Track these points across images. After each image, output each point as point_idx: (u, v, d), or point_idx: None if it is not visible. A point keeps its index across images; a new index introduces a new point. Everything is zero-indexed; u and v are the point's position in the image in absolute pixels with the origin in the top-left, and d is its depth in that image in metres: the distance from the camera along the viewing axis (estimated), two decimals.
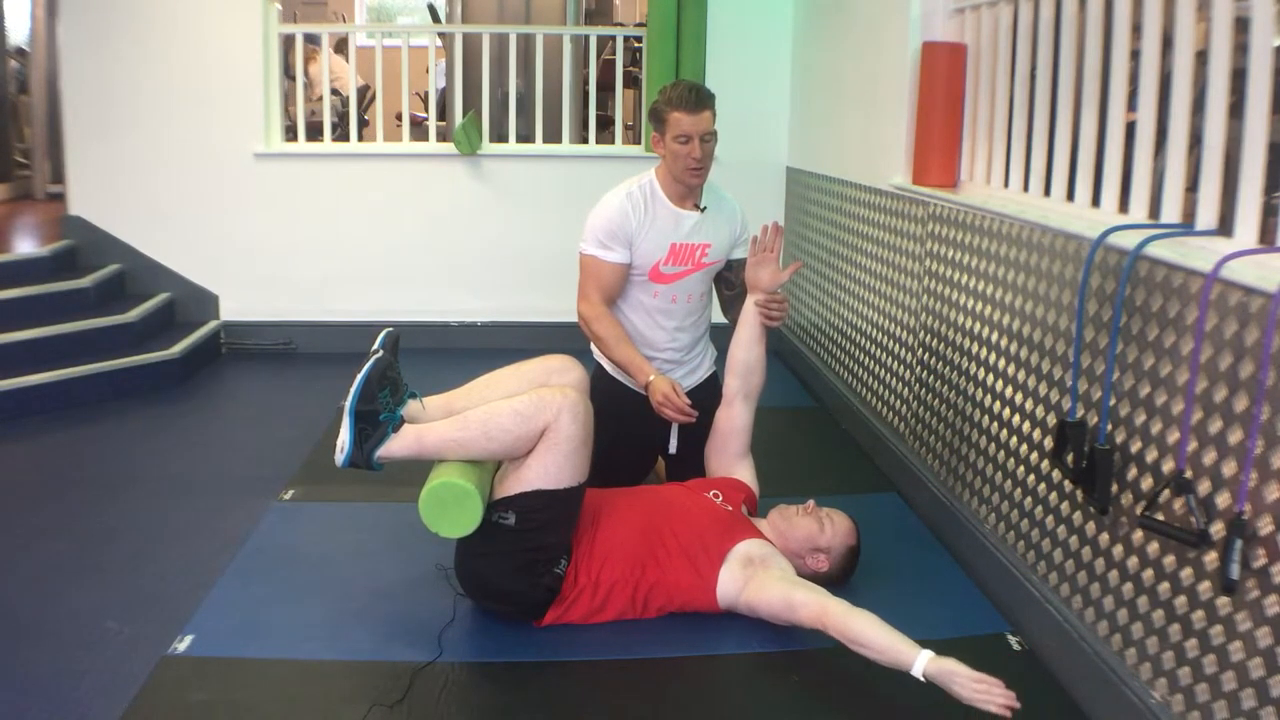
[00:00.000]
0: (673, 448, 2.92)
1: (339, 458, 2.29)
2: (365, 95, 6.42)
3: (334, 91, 6.58)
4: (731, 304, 2.95)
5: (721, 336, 2.97)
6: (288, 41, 5.09)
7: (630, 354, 2.77)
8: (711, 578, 2.37)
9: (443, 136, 5.22)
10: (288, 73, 5.25)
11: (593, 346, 2.98)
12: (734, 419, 2.73)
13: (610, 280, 2.82)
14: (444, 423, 2.35)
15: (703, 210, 2.85)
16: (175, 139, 4.77)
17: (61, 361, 4.04)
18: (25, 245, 4.88)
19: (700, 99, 2.72)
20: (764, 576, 2.32)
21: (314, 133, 5.38)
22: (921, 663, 1.98)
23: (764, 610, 2.29)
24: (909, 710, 2.11)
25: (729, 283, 2.95)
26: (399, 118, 5.94)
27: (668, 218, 2.82)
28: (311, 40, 6.04)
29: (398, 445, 2.31)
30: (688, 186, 2.80)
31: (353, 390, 2.27)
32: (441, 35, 6.01)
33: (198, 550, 2.80)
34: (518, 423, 2.27)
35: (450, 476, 2.26)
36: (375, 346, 2.37)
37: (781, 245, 2.73)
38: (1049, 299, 2.38)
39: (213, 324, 4.90)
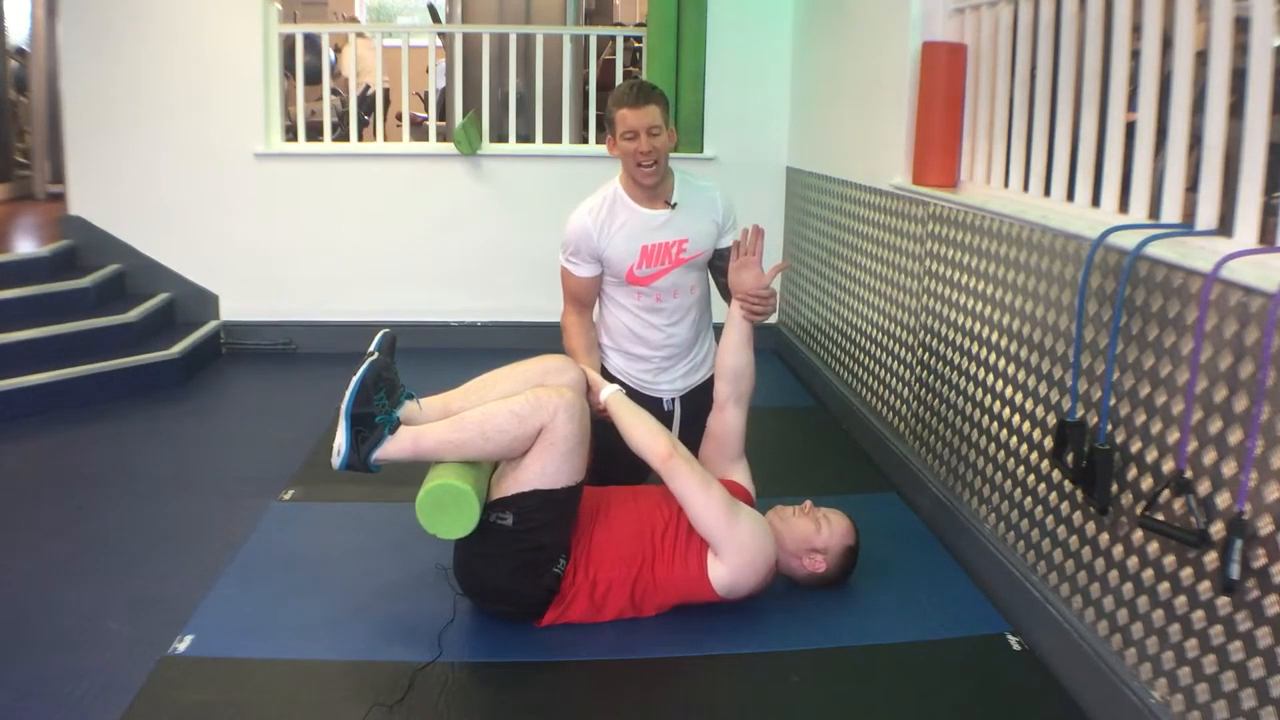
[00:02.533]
0: None
1: (336, 461, 2.29)
2: (367, 94, 6.43)
3: (334, 91, 6.58)
4: (730, 291, 2.93)
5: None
6: (287, 40, 5.09)
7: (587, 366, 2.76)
8: (703, 568, 2.37)
9: (443, 136, 5.22)
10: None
11: (600, 341, 2.98)
12: (726, 423, 2.72)
13: (581, 291, 2.87)
14: (440, 424, 2.34)
15: (673, 206, 2.83)
16: (175, 139, 4.77)
17: (61, 361, 4.04)
18: (25, 245, 4.88)
19: (642, 93, 2.73)
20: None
21: (314, 133, 5.38)
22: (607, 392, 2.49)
23: (702, 518, 2.36)
24: (908, 710, 2.11)
25: (723, 270, 2.94)
26: (399, 118, 5.94)
27: (634, 221, 2.80)
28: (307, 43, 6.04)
29: (394, 447, 2.31)
30: (644, 187, 2.77)
31: (348, 393, 2.27)
32: (441, 35, 6.02)
33: (198, 550, 2.80)
34: (514, 423, 2.27)
35: (447, 478, 2.26)
36: (371, 349, 2.37)
37: (763, 248, 2.70)
38: (1049, 299, 2.38)
39: (213, 324, 4.90)
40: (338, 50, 6.66)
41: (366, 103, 6.33)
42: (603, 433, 2.55)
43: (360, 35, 7.18)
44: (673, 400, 2.93)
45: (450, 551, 2.43)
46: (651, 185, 2.76)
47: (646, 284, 2.83)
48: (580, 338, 2.88)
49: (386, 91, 6.07)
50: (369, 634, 2.34)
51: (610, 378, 2.92)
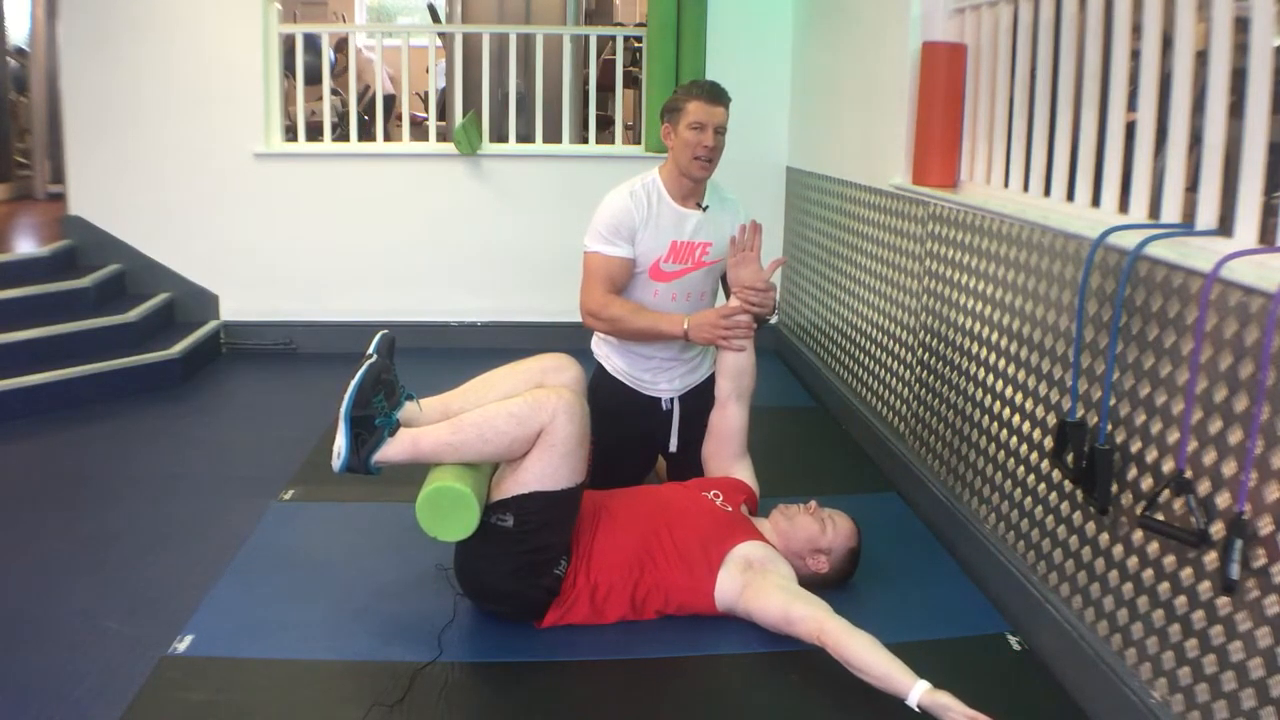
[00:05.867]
0: (673, 447, 2.92)
1: (336, 464, 2.29)
2: (367, 94, 6.43)
3: (334, 91, 6.58)
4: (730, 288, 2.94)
5: None
6: (287, 40, 5.08)
7: (652, 317, 2.76)
8: (709, 580, 2.36)
9: (443, 136, 5.22)
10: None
11: (594, 345, 2.98)
12: (728, 420, 2.73)
13: (616, 275, 2.80)
14: (439, 426, 2.34)
15: (704, 210, 2.85)
16: (175, 139, 4.77)
17: (61, 361, 4.04)
18: (25, 245, 4.88)
19: (719, 93, 2.80)
20: (762, 583, 2.31)
21: (314, 133, 5.38)
22: (917, 693, 1.98)
23: (761, 619, 2.28)
24: (908, 710, 2.11)
25: (723, 273, 2.94)
26: (399, 118, 5.94)
27: (670, 216, 2.82)
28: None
29: (394, 450, 2.30)
30: (693, 180, 2.80)
31: (346, 396, 2.27)
32: (441, 35, 6.01)
33: (198, 550, 2.80)
34: (513, 425, 2.27)
35: (446, 480, 2.25)
36: (369, 351, 2.37)
37: (761, 243, 2.71)
38: (1049, 299, 2.38)
39: (213, 324, 4.90)
40: (338, 51, 6.66)
41: (365, 102, 6.33)
42: (606, 433, 2.54)
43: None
44: (671, 400, 2.93)
45: (450, 552, 2.43)
46: (702, 179, 2.81)
47: (668, 281, 2.83)
48: (627, 301, 2.80)
49: (391, 98, 6.07)
50: (369, 634, 2.34)
51: (610, 377, 2.93)
